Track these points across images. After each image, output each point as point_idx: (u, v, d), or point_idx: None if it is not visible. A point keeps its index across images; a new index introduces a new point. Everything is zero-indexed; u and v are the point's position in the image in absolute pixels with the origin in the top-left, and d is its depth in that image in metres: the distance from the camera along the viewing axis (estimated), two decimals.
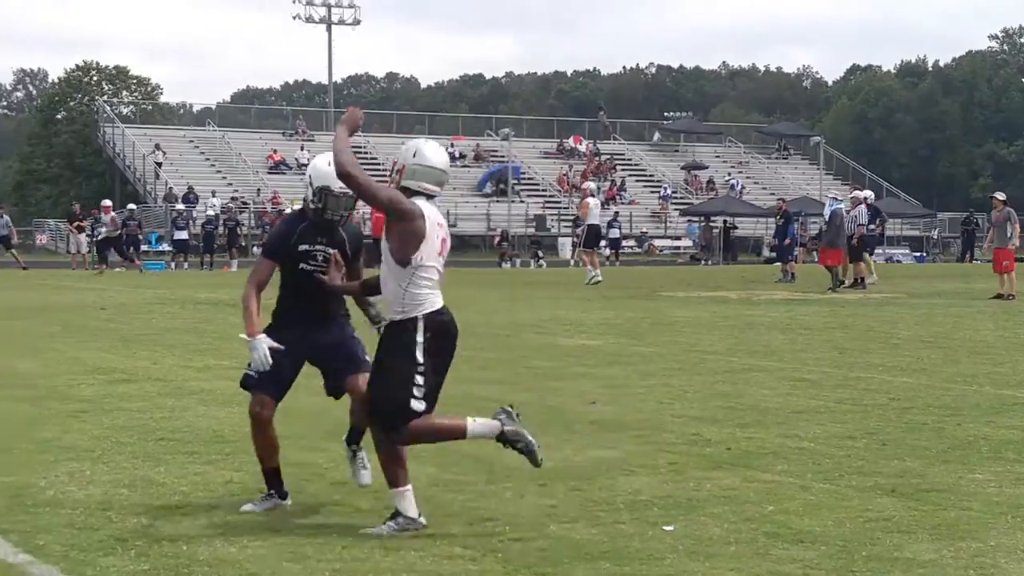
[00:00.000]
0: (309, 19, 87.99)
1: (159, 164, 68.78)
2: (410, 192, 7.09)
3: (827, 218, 32.59)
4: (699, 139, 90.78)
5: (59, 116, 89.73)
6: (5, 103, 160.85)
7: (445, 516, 7.21)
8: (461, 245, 62.73)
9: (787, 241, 37.54)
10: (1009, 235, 27.80)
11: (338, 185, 7.45)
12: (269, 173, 70.50)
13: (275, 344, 7.57)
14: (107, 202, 47.04)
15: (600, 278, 32.90)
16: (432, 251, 7.02)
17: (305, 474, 8.33)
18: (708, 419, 10.67)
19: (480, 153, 78.26)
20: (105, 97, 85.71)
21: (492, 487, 7.94)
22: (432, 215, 7.07)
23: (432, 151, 7.21)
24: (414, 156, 7.17)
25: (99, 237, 45.60)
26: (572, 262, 32.52)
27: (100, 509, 7.29)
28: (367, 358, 7.58)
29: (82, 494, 7.68)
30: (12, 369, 13.96)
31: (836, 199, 33.77)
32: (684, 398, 11.96)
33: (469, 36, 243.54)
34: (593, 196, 35.93)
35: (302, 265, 7.68)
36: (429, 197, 7.16)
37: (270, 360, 7.56)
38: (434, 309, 7.03)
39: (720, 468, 8.59)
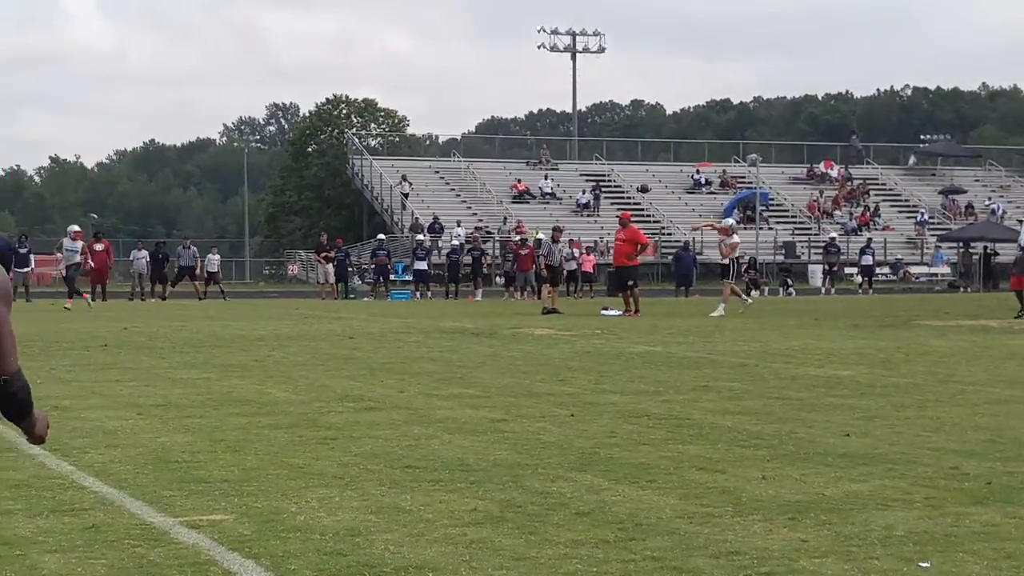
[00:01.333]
0: (554, 48, 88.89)
1: (405, 195, 70.07)
2: None
3: (1021, 244, 31.56)
4: (957, 162, 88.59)
5: (310, 149, 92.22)
6: (259, 137, 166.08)
7: (690, 549, 7.06)
8: (707, 273, 62.33)
9: None
10: None
11: None
12: (513, 202, 71.20)
13: None
14: (74, 227, 44.22)
15: (722, 314, 31.97)
16: None
17: (550, 503, 8.27)
18: (967, 452, 10.28)
19: (727, 180, 77.82)
20: (354, 130, 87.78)
21: (739, 520, 7.76)
22: None
23: None
24: None
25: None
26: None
27: (349, 535, 7.35)
28: None
29: (331, 520, 7.75)
30: (266, 396, 14.28)
31: None
32: (942, 430, 11.57)
33: (716, 61, 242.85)
34: (735, 234, 34.98)
35: None
36: None
37: None
38: None
39: (980, 503, 8.25)
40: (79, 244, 41.27)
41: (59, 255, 41.98)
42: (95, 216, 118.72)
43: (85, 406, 13.21)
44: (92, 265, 43.72)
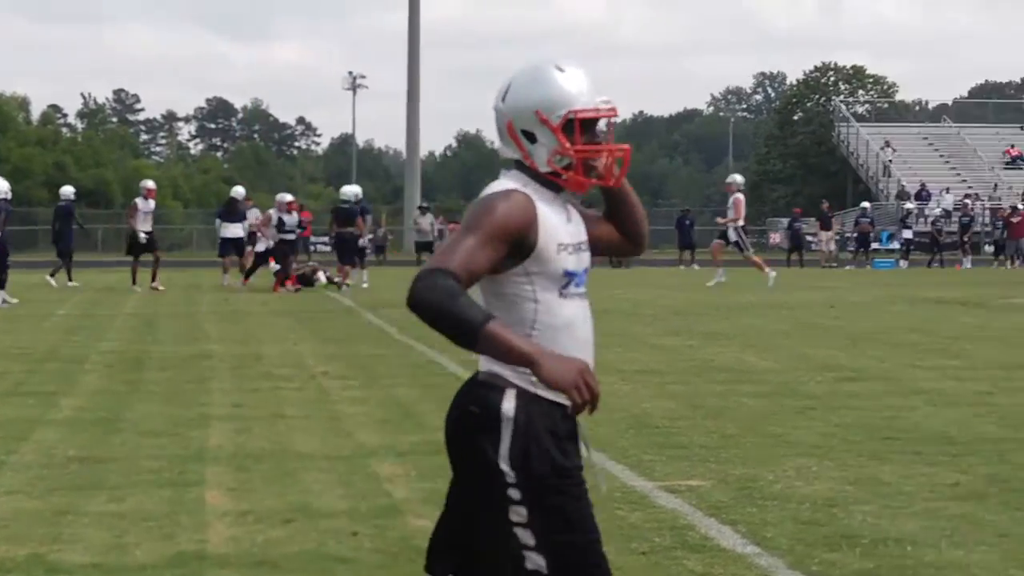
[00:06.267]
0: None
1: (889, 162, 68.63)
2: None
3: None
4: None
5: (795, 117, 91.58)
6: (745, 106, 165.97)
7: None
8: None
9: None
10: None
11: None
12: (1005, 168, 68.50)
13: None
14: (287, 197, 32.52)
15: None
16: None
17: None
18: None
19: None
20: (841, 97, 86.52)
21: None
22: None
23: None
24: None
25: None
26: None
27: (825, 505, 7.38)
28: None
29: (808, 489, 7.80)
30: (746, 364, 14.39)
31: None
32: None
33: None
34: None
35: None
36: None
37: None
38: None
39: None
40: None
41: None
42: None
43: None
44: None
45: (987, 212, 60.00)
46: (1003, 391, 12.05)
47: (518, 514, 3.70)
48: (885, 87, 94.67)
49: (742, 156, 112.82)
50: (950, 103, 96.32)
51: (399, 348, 16.20)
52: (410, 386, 12.48)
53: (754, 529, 6.84)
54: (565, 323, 3.82)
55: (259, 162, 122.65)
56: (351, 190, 30.30)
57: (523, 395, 3.75)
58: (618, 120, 3.92)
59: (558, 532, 3.70)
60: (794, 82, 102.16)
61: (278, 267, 29.35)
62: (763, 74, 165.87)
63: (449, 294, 3.55)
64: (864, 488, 7.83)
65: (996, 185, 64.80)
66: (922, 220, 54.09)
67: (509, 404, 3.74)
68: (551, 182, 3.89)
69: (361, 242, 30.38)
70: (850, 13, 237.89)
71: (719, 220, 31.96)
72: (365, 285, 29.59)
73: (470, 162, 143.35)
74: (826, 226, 49.22)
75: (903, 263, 47.96)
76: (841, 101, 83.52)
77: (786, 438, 9.57)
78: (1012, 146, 70.58)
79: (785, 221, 60.14)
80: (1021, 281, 32.72)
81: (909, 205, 54.49)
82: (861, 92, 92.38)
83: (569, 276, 3.84)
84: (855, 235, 50.57)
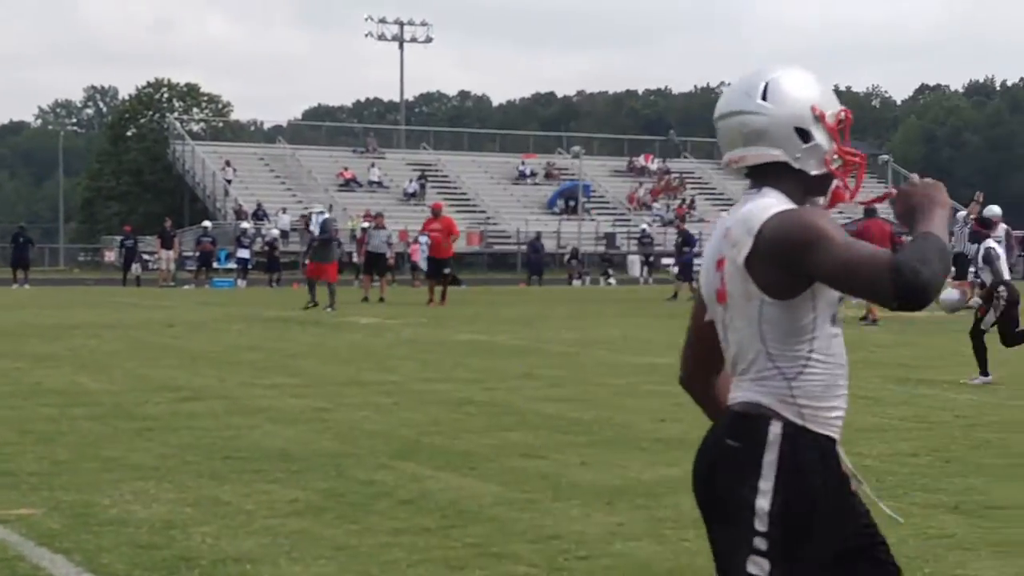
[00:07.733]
0: (381, 37, 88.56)
1: (229, 181, 69.22)
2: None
3: (318, 231, 32.84)
4: None
5: (129, 133, 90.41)
6: (76, 120, 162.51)
7: (510, 535, 7.11)
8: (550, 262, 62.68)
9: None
10: None
11: None
12: (339, 190, 70.83)
13: None
14: None
15: None
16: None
17: (372, 492, 8.25)
18: None
19: (551, 171, 78.39)
20: (176, 114, 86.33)
21: (559, 505, 7.85)
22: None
23: None
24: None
25: None
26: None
27: (164, 528, 7.26)
28: None
29: (146, 513, 7.64)
30: (79, 387, 14.01)
31: (323, 212, 34.95)
32: None
33: (541, 54, 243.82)
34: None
35: None
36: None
37: None
38: None
39: None
40: None
41: None
42: None
43: None
44: None
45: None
46: (339, 407, 12.35)
47: (758, 566, 3.35)
48: (220, 106, 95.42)
49: (74, 171, 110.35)
50: (285, 125, 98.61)
51: None
52: None
53: (89, 556, 6.61)
54: (837, 359, 3.48)
55: None
56: None
57: (789, 426, 3.40)
58: None
59: None
60: (126, 97, 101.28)
61: None
62: (94, 88, 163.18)
63: (919, 262, 3.13)
64: (203, 509, 7.76)
65: (332, 206, 66.89)
66: (260, 240, 54.83)
67: (775, 436, 3.39)
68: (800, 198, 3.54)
69: None
70: (181, 30, 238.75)
71: None
72: None
73: None
74: (167, 244, 49.02)
75: (241, 282, 48.50)
76: (176, 118, 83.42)
77: (123, 461, 9.35)
78: (346, 168, 73.13)
79: (119, 239, 59.41)
80: (352, 300, 33.75)
81: (246, 225, 55.15)
82: (196, 110, 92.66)
83: (839, 302, 3.48)
84: (197, 254, 50.57)
